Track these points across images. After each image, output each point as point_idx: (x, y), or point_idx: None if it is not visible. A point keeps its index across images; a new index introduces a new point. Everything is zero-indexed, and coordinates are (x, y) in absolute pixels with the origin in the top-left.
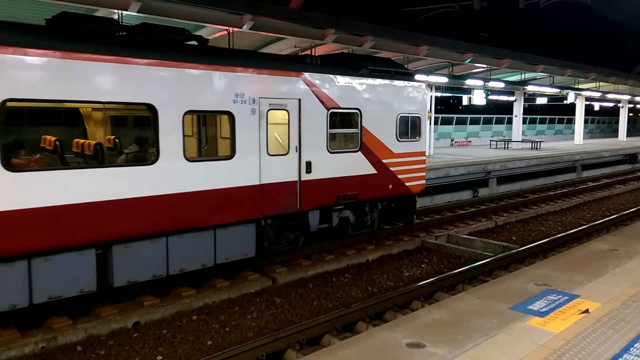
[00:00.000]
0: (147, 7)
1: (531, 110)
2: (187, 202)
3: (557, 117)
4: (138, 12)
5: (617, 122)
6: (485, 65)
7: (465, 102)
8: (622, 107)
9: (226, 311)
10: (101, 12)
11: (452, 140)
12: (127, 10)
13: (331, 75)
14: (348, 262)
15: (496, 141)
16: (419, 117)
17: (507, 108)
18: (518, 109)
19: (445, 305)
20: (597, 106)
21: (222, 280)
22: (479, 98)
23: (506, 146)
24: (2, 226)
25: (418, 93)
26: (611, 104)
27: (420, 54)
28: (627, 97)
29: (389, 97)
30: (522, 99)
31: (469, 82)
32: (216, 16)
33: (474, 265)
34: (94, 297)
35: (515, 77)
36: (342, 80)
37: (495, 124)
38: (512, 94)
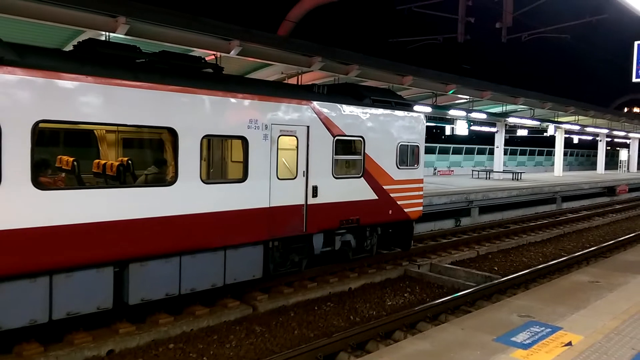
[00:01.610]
0: (136, 30)
1: (512, 141)
2: (201, 223)
3: (537, 148)
4: (126, 34)
5: (595, 155)
6: (467, 97)
7: (448, 132)
8: (601, 140)
9: (204, 340)
10: (89, 34)
11: (434, 169)
12: (114, 32)
13: (337, 104)
14: (330, 290)
15: (478, 171)
16: (417, 145)
17: (489, 139)
18: (499, 140)
19: (428, 335)
20: (576, 139)
21: (201, 308)
22: (461, 128)
23: (488, 176)
24: (30, 243)
25: (417, 123)
26: (590, 138)
27: (405, 84)
28: (605, 131)
29: (390, 126)
30: (504, 130)
31: (452, 112)
32: (205, 41)
33: (456, 295)
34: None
35: (497, 109)
36: (347, 109)
37: (477, 154)
38: (493, 125)
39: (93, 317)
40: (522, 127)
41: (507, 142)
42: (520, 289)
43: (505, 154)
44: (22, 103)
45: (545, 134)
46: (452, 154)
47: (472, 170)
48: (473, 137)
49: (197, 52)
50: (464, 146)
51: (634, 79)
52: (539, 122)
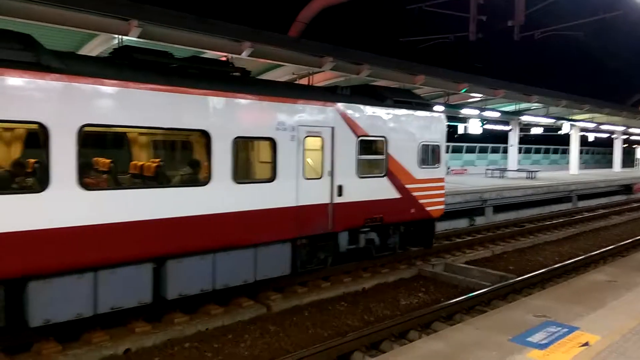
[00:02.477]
0: (148, 33)
1: (527, 140)
2: (234, 221)
3: (552, 147)
4: (138, 37)
5: (611, 153)
6: (480, 95)
7: (461, 130)
8: (617, 138)
9: (219, 339)
10: (102, 37)
11: (448, 168)
12: (127, 35)
13: (360, 105)
14: (344, 289)
15: (492, 170)
16: (438, 145)
17: (503, 137)
18: (513, 139)
19: (443, 336)
20: (591, 137)
21: (215, 307)
22: (474, 127)
23: (502, 175)
24: (77, 241)
25: (438, 123)
26: (605, 135)
27: (417, 83)
28: (621, 128)
29: (412, 126)
30: (518, 129)
31: (465, 111)
32: (216, 43)
33: (471, 295)
34: (85, 322)
35: (511, 107)
36: (370, 110)
37: (491, 152)
38: (507, 123)
39: (109, 317)
40: (537, 125)
41: (522, 141)
42: (536, 288)
43: (519, 152)
44: (69, 108)
45: (560, 132)
46: (465, 152)
47: (486, 169)
48: (487, 136)
49: (209, 54)
50: (478, 145)
51: None
52: (553, 120)
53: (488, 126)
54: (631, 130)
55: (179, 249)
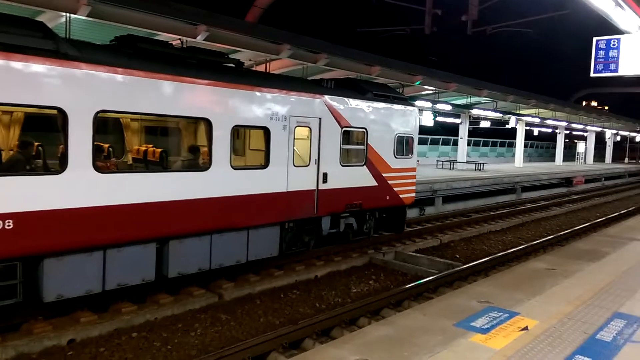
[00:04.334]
0: (98, 11)
1: (476, 133)
2: (230, 205)
3: (499, 140)
4: (87, 16)
5: (554, 147)
6: (433, 88)
7: None
8: (560, 133)
9: (169, 328)
10: (48, 15)
11: None
12: (75, 14)
13: (344, 98)
14: (297, 277)
15: (442, 161)
16: (412, 137)
17: (454, 130)
18: (463, 131)
19: (391, 321)
20: (536, 131)
21: (165, 296)
22: (427, 119)
23: (452, 167)
24: (89, 220)
25: (412, 116)
26: (549, 130)
27: (373, 74)
28: (564, 123)
29: (389, 118)
30: (467, 122)
31: (418, 103)
32: (170, 25)
33: (419, 282)
34: (22, 310)
35: (462, 101)
36: (352, 102)
37: (442, 144)
38: (458, 116)
39: (53, 307)
40: (486, 118)
41: (471, 134)
42: (481, 275)
43: (468, 145)
44: (86, 95)
45: (507, 126)
46: (417, 144)
47: (437, 161)
48: (438, 128)
49: (163, 36)
50: (430, 137)
51: (592, 74)
52: (501, 114)
53: (440, 119)
54: (573, 125)
55: (181, 230)
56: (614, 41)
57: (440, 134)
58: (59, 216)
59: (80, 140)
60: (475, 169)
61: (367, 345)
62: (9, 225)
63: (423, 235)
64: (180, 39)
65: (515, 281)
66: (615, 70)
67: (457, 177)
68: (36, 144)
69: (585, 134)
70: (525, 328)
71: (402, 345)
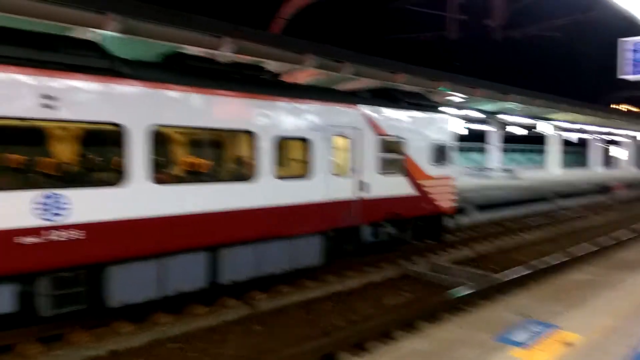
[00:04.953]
0: (125, 27)
1: (507, 139)
2: (274, 214)
3: (531, 146)
4: (115, 31)
5: (587, 153)
6: (460, 94)
7: None
8: (593, 137)
9: (204, 339)
10: (78, 31)
11: None
12: (104, 29)
13: (380, 107)
14: (329, 289)
15: (474, 169)
16: (447, 145)
17: (481, 136)
18: (494, 138)
19: (427, 334)
20: (571, 137)
21: (200, 307)
22: (458, 127)
23: (484, 174)
24: (148, 230)
25: (445, 123)
26: (582, 135)
27: (397, 81)
28: (598, 128)
29: (424, 126)
30: (498, 129)
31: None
32: (196, 38)
33: (455, 294)
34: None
35: (490, 107)
36: (387, 111)
37: (471, 151)
38: (487, 123)
39: (92, 317)
40: (516, 124)
41: (502, 140)
42: (519, 287)
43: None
44: (142, 110)
45: (536, 130)
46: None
47: (466, 168)
48: (467, 135)
49: (189, 49)
50: (458, 144)
51: (619, 76)
52: (532, 120)
53: (468, 125)
54: (607, 130)
55: (230, 239)
56: None
57: (468, 140)
58: (121, 226)
59: (138, 154)
60: (509, 177)
61: (402, 359)
62: (78, 235)
63: (458, 246)
64: (206, 52)
65: (555, 293)
66: None
67: (490, 186)
68: (98, 158)
69: (619, 138)
70: (567, 342)
71: (439, 359)
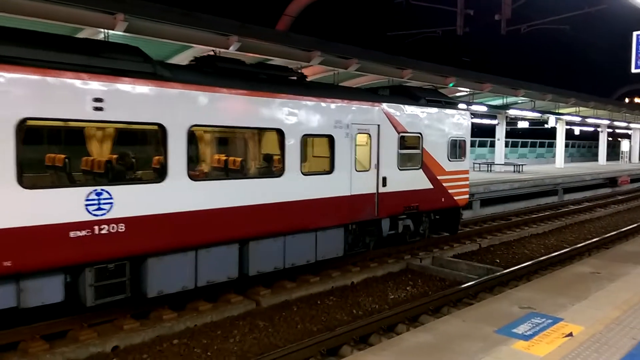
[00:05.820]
0: (134, 27)
1: (513, 133)
2: (301, 208)
3: (538, 140)
4: (124, 31)
5: (596, 147)
6: (467, 89)
7: None
8: (602, 131)
9: (208, 335)
10: (87, 31)
11: None
12: (113, 30)
13: (400, 105)
14: (333, 284)
15: (479, 164)
16: (464, 140)
17: (490, 131)
18: (500, 133)
19: (430, 328)
20: (577, 130)
21: (204, 303)
22: None
23: (489, 169)
24: (185, 223)
25: (464, 120)
26: (591, 129)
27: (404, 77)
28: (607, 122)
29: (442, 123)
30: (505, 123)
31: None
32: (203, 37)
33: (458, 287)
34: (70, 318)
35: (497, 101)
36: (408, 109)
37: (478, 146)
38: (494, 117)
39: (96, 313)
40: (523, 119)
41: (508, 135)
42: (522, 280)
43: (506, 146)
44: (180, 111)
45: (546, 126)
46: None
47: (473, 163)
48: (474, 130)
49: (196, 48)
50: None
51: (634, 70)
52: (539, 114)
53: (475, 120)
54: (616, 123)
55: (258, 232)
56: None
57: (476, 135)
58: (160, 220)
59: (177, 152)
60: (514, 171)
61: (406, 352)
62: (121, 229)
63: (461, 239)
64: (213, 50)
65: (558, 286)
66: None
67: (494, 180)
68: (140, 155)
69: (629, 131)
70: (570, 334)
71: (442, 353)
